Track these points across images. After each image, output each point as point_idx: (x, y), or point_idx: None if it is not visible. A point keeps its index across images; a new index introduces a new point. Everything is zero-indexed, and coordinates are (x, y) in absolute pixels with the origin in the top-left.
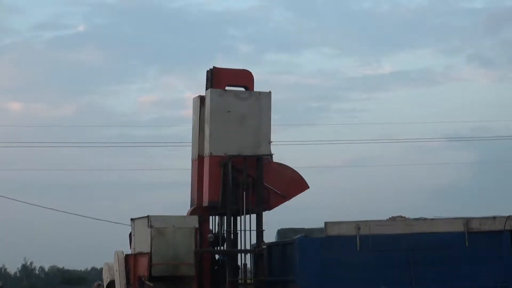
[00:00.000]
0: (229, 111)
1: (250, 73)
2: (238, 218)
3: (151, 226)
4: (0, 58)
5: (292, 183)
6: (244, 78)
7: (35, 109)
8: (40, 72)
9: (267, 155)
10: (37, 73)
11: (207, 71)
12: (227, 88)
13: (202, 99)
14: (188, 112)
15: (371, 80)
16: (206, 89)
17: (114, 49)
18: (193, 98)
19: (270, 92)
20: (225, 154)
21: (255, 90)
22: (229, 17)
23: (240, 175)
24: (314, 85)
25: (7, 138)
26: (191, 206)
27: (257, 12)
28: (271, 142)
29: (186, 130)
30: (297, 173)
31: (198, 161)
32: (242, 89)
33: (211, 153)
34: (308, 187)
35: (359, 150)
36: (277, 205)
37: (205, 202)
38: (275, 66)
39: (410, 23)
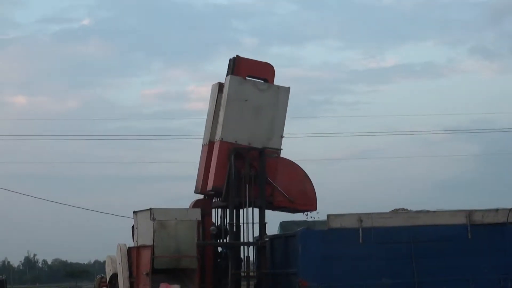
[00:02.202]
0: (246, 100)
1: (272, 67)
2: (241, 211)
3: (153, 219)
4: (5, 52)
5: (304, 197)
6: (265, 71)
7: (40, 102)
8: (44, 66)
9: (276, 149)
10: (41, 67)
11: (230, 59)
12: (247, 78)
13: (221, 86)
14: (191, 105)
15: (374, 73)
16: (227, 76)
17: (118, 42)
18: (212, 85)
19: (289, 87)
20: (235, 141)
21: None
22: (233, 10)
23: (243, 168)
24: (318, 78)
25: (11, 131)
26: (195, 191)
27: (261, 5)
28: (283, 136)
29: (189, 123)
30: (314, 192)
31: (208, 146)
32: (262, 81)
33: (222, 139)
34: (315, 210)
35: (362, 142)
36: (281, 205)
37: (209, 187)
38: (279, 59)
39: (413, 15)
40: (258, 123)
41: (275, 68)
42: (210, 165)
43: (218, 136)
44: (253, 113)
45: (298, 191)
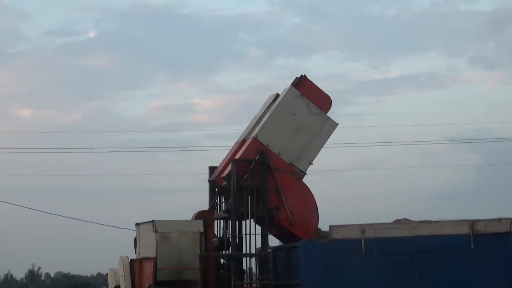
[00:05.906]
0: (294, 114)
1: (331, 100)
2: (243, 222)
3: (156, 231)
4: (11, 65)
5: (304, 227)
6: (323, 101)
7: (45, 115)
8: (50, 78)
9: (301, 171)
10: (47, 79)
11: (297, 77)
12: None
13: (276, 97)
14: (197, 117)
15: (379, 83)
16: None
17: (124, 54)
18: (270, 95)
19: (337, 124)
20: (267, 145)
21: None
22: (239, 22)
23: (245, 180)
24: (323, 88)
25: (17, 144)
26: (208, 179)
27: (267, 17)
28: (312, 164)
29: (194, 135)
30: (316, 229)
31: (241, 143)
32: (315, 106)
33: (257, 136)
34: (313, 239)
35: (365, 153)
36: (281, 223)
37: (224, 174)
38: (285, 71)
39: (417, 26)
40: (295, 140)
41: (280, 80)
42: (234, 157)
43: (253, 133)
44: (294, 128)
45: (301, 219)
